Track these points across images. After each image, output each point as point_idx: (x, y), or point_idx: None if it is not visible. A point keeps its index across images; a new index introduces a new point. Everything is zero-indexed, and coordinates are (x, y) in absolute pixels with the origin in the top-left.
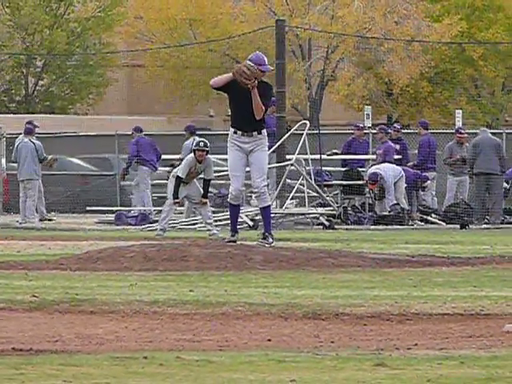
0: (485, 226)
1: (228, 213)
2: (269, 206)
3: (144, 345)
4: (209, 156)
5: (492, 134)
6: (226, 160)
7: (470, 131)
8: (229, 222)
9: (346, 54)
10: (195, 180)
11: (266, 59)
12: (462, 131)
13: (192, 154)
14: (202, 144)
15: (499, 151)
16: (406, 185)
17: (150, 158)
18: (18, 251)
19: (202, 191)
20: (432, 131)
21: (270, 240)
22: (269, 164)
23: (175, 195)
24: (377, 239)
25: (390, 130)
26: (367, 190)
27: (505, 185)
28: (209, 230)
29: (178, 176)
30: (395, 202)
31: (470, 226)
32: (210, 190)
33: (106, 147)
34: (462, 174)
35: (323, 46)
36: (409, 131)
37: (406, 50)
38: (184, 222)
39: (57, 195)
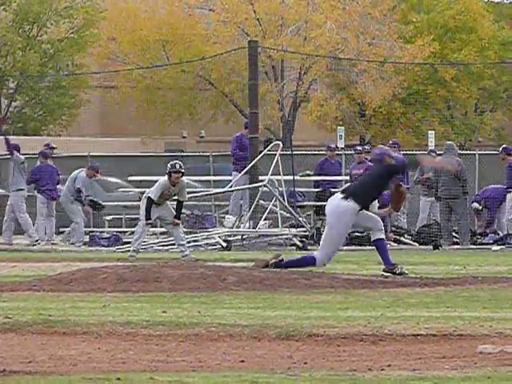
0: (457, 246)
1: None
2: None
3: (117, 366)
4: (183, 178)
5: (465, 155)
6: (198, 181)
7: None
8: (199, 242)
9: (318, 75)
10: (168, 201)
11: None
12: (434, 154)
13: (166, 177)
14: (178, 166)
15: (460, 173)
16: (378, 205)
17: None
18: None
19: (174, 212)
20: (404, 152)
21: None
22: (242, 185)
23: (147, 216)
24: (350, 260)
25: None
26: None
27: (476, 205)
28: (181, 251)
29: (149, 197)
30: None
31: (443, 247)
32: (183, 210)
33: (79, 168)
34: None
35: (296, 67)
36: None
37: (379, 71)
38: (157, 244)
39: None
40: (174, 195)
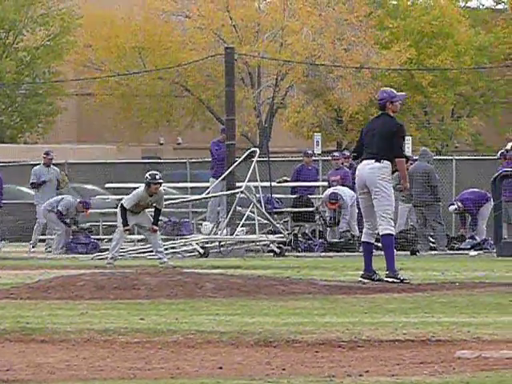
0: (434, 252)
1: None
2: None
3: (95, 373)
4: (161, 188)
5: (442, 160)
6: (176, 188)
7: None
8: (177, 249)
9: (295, 82)
10: (145, 209)
11: None
12: (411, 161)
13: (143, 188)
14: (157, 177)
15: (430, 180)
16: (357, 210)
17: None
18: None
19: (152, 219)
20: None
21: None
22: (219, 192)
23: (124, 223)
24: (327, 266)
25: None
26: (317, 217)
27: (452, 207)
28: (159, 258)
29: (122, 205)
30: (346, 228)
31: (420, 253)
32: (161, 218)
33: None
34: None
35: (272, 73)
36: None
37: (356, 77)
38: (135, 251)
39: (7, 224)
40: (151, 205)
